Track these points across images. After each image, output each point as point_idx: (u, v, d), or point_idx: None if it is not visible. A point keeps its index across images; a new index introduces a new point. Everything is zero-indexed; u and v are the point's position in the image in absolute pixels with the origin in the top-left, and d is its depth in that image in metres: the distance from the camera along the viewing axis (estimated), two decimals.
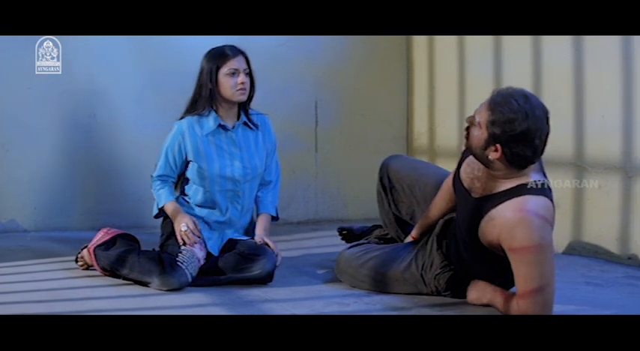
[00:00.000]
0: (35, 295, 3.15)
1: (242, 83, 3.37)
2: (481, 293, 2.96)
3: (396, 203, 3.48)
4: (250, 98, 3.46)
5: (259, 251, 3.32)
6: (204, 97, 3.39)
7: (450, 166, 3.29)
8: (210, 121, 3.41)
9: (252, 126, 3.49)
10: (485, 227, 2.79)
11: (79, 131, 4.56)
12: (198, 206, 3.47)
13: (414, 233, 3.28)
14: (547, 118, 2.70)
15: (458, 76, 4.75)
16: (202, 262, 3.33)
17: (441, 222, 3.13)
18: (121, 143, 4.62)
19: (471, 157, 2.90)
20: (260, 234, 3.45)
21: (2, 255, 3.81)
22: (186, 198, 3.49)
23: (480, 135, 2.73)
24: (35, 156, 4.50)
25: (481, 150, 2.75)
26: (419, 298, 3.09)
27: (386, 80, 5.16)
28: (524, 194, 2.72)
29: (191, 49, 3.85)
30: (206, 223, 3.45)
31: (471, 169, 2.91)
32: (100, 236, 3.46)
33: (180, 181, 3.52)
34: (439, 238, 3.08)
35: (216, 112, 3.42)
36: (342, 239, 3.79)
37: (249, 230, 3.54)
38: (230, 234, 3.47)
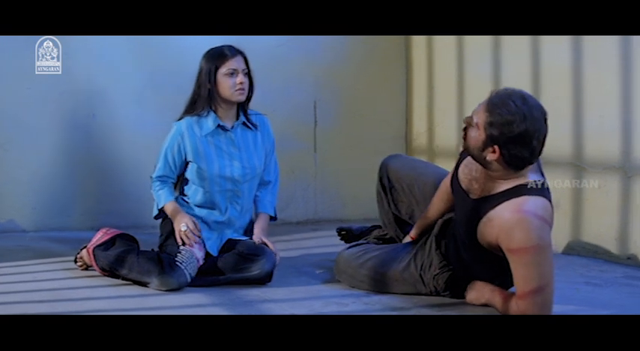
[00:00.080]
0: (35, 295, 3.15)
1: (241, 83, 3.37)
2: (480, 293, 2.96)
3: (395, 203, 3.48)
4: (249, 98, 3.46)
5: (258, 251, 3.32)
6: (203, 98, 3.40)
7: (449, 166, 3.29)
8: (209, 122, 3.41)
9: (251, 126, 3.49)
10: (483, 228, 2.79)
11: (79, 131, 4.57)
12: (198, 206, 3.47)
13: (412, 233, 3.28)
14: (545, 120, 2.70)
15: (457, 76, 4.75)
16: (201, 263, 3.33)
17: (439, 222, 3.13)
18: (120, 143, 4.62)
19: (469, 158, 2.90)
20: (258, 234, 3.46)
21: (2, 255, 3.81)
22: (185, 198, 3.49)
23: (477, 136, 2.74)
24: (35, 156, 4.50)
25: (479, 151, 2.75)
26: (418, 298, 3.09)
27: (385, 80, 5.17)
28: (523, 195, 2.73)
29: (191, 49, 3.85)
30: (205, 223, 3.45)
31: (469, 170, 2.91)
32: (99, 236, 3.46)
33: (179, 182, 3.52)
34: (438, 239, 3.09)
35: (215, 112, 3.42)
36: (341, 239, 3.79)
37: (249, 230, 3.54)
38: (229, 234, 3.48)
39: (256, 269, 3.28)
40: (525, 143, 2.67)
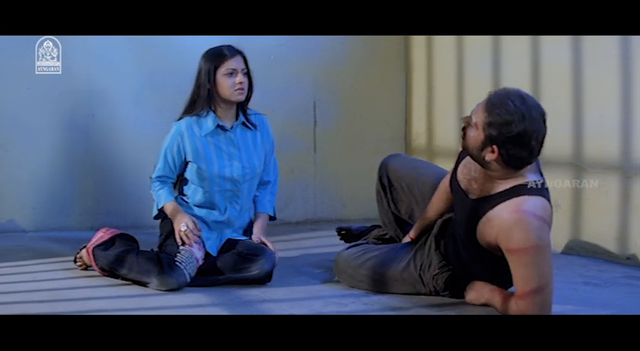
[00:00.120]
0: (35, 295, 3.15)
1: (240, 83, 3.37)
2: (479, 293, 2.96)
3: (395, 202, 3.48)
4: (248, 98, 3.46)
5: (258, 251, 3.32)
6: (203, 98, 3.40)
7: (448, 167, 3.28)
8: (208, 122, 3.41)
9: (250, 126, 3.49)
10: (483, 228, 2.80)
11: (79, 131, 4.56)
12: (197, 206, 3.47)
13: (411, 233, 3.28)
14: (544, 120, 2.70)
15: (456, 76, 4.75)
16: (201, 262, 3.33)
17: (439, 222, 3.13)
18: (119, 143, 4.62)
19: (467, 159, 2.90)
20: (257, 234, 3.46)
21: (2, 255, 3.81)
22: (184, 198, 3.49)
23: (476, 136, 2.74)
24: (34, 156, 4.50)
25: (478, 151, 2.75)
26: (417, 298, 3.09)
27: (384, 80, 5.17)
28: (522, 195, 2.73)
29: (190, 49, 3.84)
30: (205, 223, 3.45)
31: (468, 170, 2.91)
32: (99, 236, 3.46)
33: (178, 182, 3.52)
34: (437, 238, 3.09)
35: (214, 112, 3.42)
36: (341, 239, 3.79)
37: (248, 230, 3.54)
38: (229, 234, 3.48)
39: (256, 269, 3.28)
40: (524, 143, 2.67)
